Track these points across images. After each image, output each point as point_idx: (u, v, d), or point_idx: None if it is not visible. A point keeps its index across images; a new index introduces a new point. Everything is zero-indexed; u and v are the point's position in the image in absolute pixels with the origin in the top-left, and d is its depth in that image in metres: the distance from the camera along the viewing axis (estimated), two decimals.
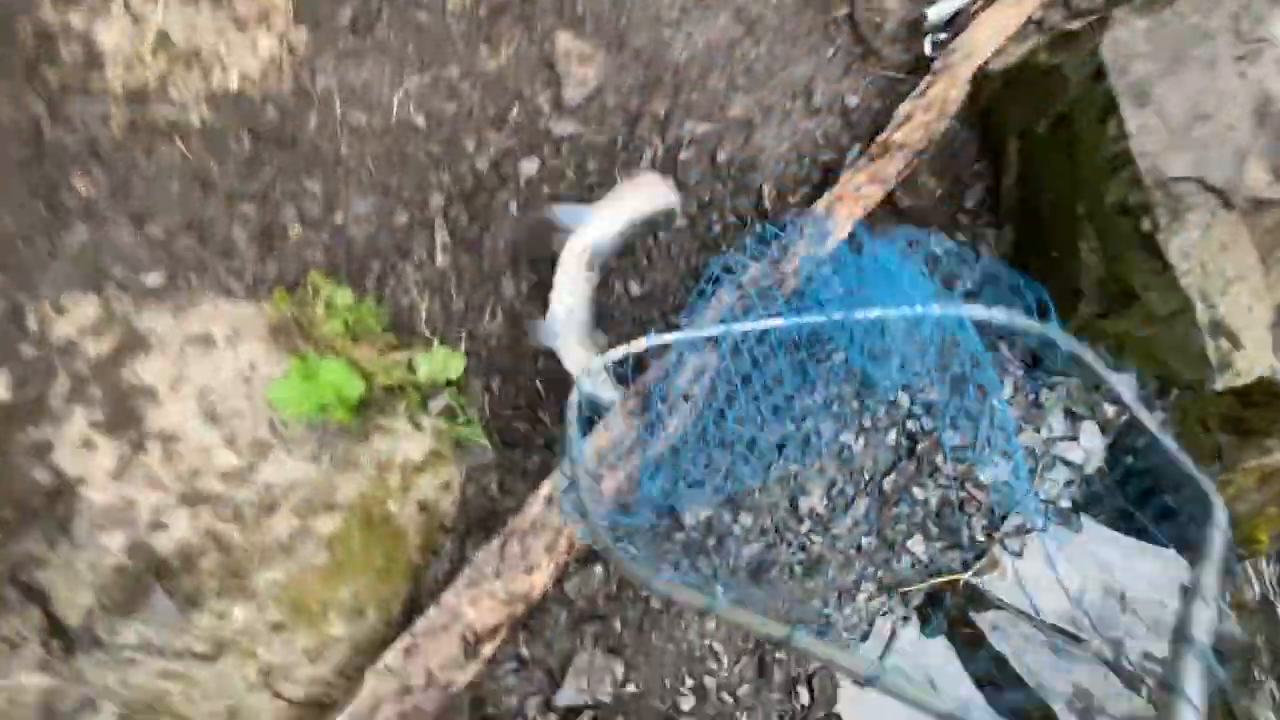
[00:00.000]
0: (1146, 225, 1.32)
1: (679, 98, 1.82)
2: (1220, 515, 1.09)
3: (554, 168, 1.71)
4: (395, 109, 1.63)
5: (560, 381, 1.59)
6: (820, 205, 1.59)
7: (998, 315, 1.22)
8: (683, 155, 1.79)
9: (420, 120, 1.65)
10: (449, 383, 1.50)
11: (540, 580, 1.23)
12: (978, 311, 1.23)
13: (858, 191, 1.60)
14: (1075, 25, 1.47)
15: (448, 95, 1.68)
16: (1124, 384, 1.37)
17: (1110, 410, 1.86)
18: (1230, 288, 1.32)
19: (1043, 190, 1.61)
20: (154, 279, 1.34)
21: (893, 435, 1.72)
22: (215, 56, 1.51)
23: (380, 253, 1.56)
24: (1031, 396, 1.81)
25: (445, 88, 1.68)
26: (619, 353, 1.16)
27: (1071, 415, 1.84)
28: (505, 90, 1.72)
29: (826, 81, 1.89)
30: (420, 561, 1.42)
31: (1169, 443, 1.18)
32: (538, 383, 1.61)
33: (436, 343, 1.50)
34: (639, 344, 1.16)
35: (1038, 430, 1.80)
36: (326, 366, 1.22)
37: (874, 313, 1.21)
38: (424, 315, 1.55)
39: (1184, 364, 1.37)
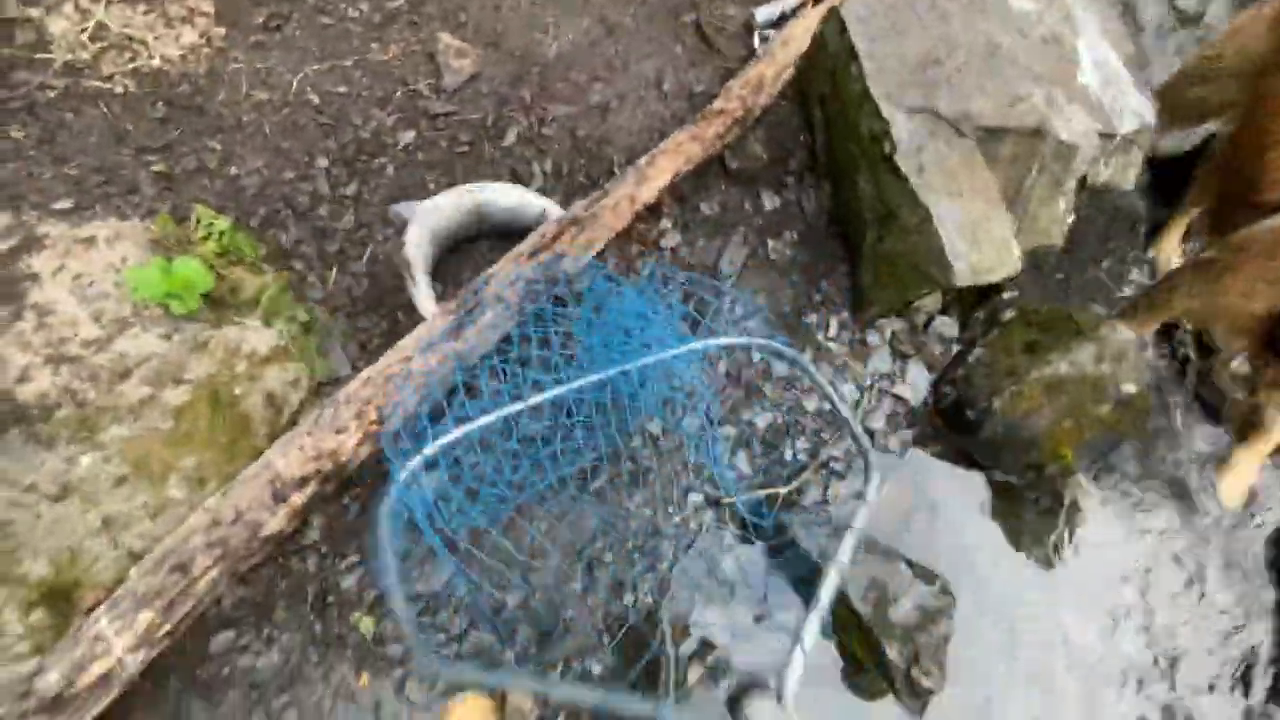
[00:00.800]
0: (888, 148, 1.55)
1: (545, 86, 2.14)
2: (874, 483, 1.49)
3: (430, 138, 2.01)
4: (294, 89, 1.96)
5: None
6: (643, 159, 1.84)
7: (742, 341, 1.62)
8: (545, 131, 2.08)
9: (315, 99, 1.97)
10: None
11: (348, 443, 1.41)
12: (735, 340, 1.60)
13: (678, 147, 1.86)
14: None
15: (341, 80, 2.01)
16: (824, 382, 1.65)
17: (937, 350, 2.03)
18: (963, 200, 1.53)
19: (838, 143, 1.85)
20: (63, 204, 1.62)
21: (723, 367, 1.90)
22: (143, 44, 1.86)
23: (267, 200, 1.84)
24: (857, 336, 1.99)
25: (340, 74, 2.02)
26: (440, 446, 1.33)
27: (899, 354, 2.01)
28: (391, 77, 2.05)
29: (676, 73, 2.20)
30: (265, 448, 1.60)
31: (845, 411, 1.63)
32: (397, 313, 1.84)
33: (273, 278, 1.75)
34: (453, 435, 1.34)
35: (864, 365, 1.97)
36: (183, 262, 1.46)
37: (643, 361, 1.47)
38: (300, 250, 1.81)
39: (933, 265, 1.55)
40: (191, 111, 1.85)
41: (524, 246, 1.66)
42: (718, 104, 1.94)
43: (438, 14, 2.15)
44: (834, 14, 1.66)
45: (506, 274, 1.60)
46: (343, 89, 2.00)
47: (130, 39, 1.87)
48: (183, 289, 1.45)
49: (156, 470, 1.43)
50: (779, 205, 2.04)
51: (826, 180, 1.99)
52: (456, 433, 1.32)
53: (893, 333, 2.00)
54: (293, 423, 1.66)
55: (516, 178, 2.01)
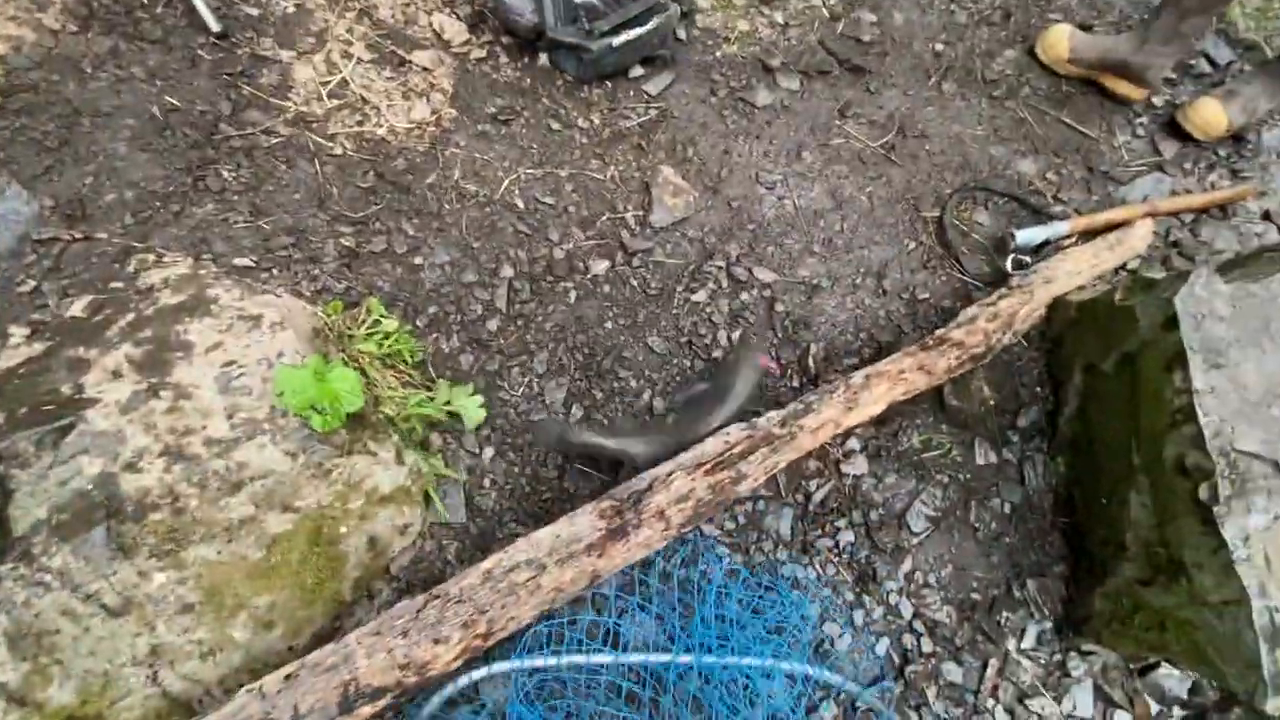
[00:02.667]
0: (1204, 493, 1.19)
1: (754, 247, 1.93)
2: None
3: (621, 274, 1.82)
4: (503, 188, 1.83)
5: (553, 479, 1.58)
6: (858, 375, 1.57)
7: (830, 677, 1.41)
8: (743, 296, 1.86)
9: (520, 203, 1.83)
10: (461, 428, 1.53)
11: (444, 656, 1.15)
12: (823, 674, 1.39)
13: (901, 374, 1.57)
14: (1159, 275, 1.45)
15: (551, 190, 1.87)
16: None
17: (1154, 707, 1.58)
18: None
19: (1102, 429, 1.51)
20: (244, 260, 1.51)
21: (884, 645, 1.53)
22: (376, 109, 1.79)
23: (440, 299, 1.68)
24: (1057, 658, 1.58)
25: (551, 183, 1.88)
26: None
27: (1104, 698, 1.57)
28: (602, 199, 1.90)
29: (902, 270, 1.94)
30: (349, 598, 1.37)
31: None
32: (539, 469, 1.60)
33: (470, 388, 1.55)
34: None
35: (1057, 701, 1.55)
36: (339, 373, 1.28)
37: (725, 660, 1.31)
38: (455, 362, 1.63)
39: (1233, 667, 1.15)
40: (398, 188, 1.74)
41: (705, 453, 1.39)
42: (957, 334, 1.64)
43: (666, 144, 2.01)
44: (1157, 296, 1.34)
45: (680, 487, 1.33)
46: (549, 200, 1.85)
47: (365, 101, 1.81)
48: (330, 403, 1.26)
49: (228, 604, 1.22)
50: (994, 464, 1.70)
51: (1063, 456, 1.64)
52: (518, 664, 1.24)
53: (1102, 667, 1.58)
54: (386, 571, 1.43)
55: (695, 342, 1.78)
